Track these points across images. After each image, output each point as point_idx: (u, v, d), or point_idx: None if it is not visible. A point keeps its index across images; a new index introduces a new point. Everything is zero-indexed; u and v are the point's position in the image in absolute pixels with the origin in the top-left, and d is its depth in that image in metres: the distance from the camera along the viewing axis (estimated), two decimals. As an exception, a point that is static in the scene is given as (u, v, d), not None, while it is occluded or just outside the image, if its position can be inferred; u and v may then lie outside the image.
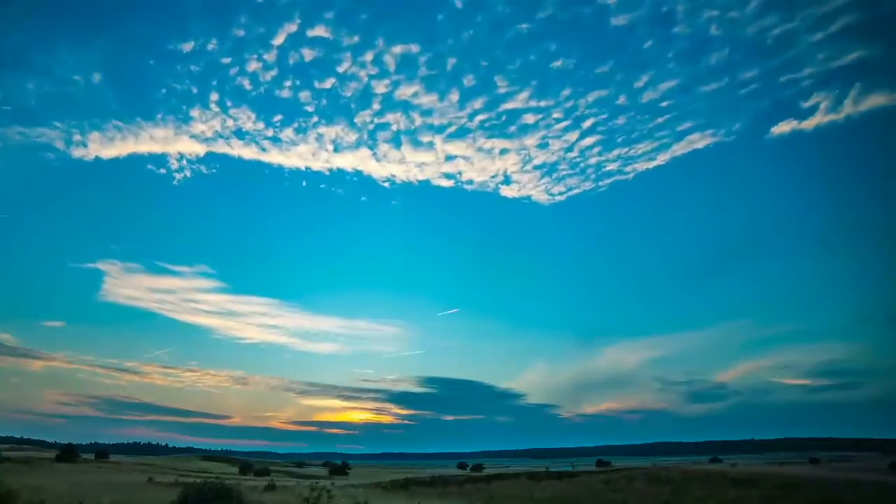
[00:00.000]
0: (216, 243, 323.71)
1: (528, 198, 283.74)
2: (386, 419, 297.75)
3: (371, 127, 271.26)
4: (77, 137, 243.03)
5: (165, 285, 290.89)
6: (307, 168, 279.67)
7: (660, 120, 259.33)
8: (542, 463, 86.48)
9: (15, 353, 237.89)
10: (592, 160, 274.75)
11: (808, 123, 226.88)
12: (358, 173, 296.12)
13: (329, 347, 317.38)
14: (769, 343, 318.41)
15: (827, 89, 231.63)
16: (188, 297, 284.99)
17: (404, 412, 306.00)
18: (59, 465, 40.30)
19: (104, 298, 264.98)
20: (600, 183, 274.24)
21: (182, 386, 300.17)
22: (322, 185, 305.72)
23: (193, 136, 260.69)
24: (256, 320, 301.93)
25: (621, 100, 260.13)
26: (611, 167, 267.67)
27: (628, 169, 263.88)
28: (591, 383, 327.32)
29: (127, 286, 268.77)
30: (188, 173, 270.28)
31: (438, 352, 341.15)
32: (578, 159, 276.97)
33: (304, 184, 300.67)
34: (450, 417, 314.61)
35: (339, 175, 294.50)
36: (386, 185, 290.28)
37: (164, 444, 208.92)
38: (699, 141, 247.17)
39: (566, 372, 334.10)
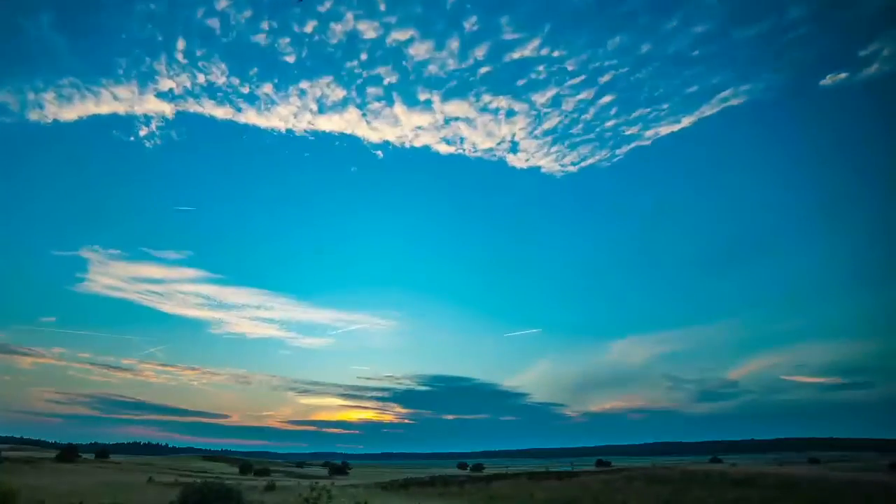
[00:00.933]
0: (196, 226, 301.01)
1: (538, 169, 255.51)
2: (386, 418, 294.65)
3: (360, 81, 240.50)
4: (31, 96, 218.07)
5: (149, 274, 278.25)
6: (288, 131, 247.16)
7: (689, 73, 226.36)
8: (545, 463, 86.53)
9: (4, 350, 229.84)
10: (609, 123, 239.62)
11: (864, 74, 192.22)
12: (346, 137, 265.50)
13: (325, 342, 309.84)
14: (783, 339, 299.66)
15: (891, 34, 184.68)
16: (177, 288, 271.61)
17: (404, 411, 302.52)
18: (59, 465, 40.32)
19: (89, 290, 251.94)
20: (617, 151, 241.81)
21: (177, 384, 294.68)
22: (306, 154, 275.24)
23: (161, 95, 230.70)
24: (248, 313, 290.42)
25: (645, 48, 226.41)
26: (630, 131, 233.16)
27: (649, 133, 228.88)
28: (597, 381, 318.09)
29: (111, 276, 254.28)
30: (158, 141, 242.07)
31: (436, 348, 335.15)
32: (594, 122, 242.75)
33: (286, 152, 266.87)
34: (450, 417, 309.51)
35: (325, 140, 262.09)
36: (379, 153, 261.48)
37: (163, 443, 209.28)
38: (733, 98, 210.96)
39: (571, 368, 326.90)
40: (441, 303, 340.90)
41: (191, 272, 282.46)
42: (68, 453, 47.63)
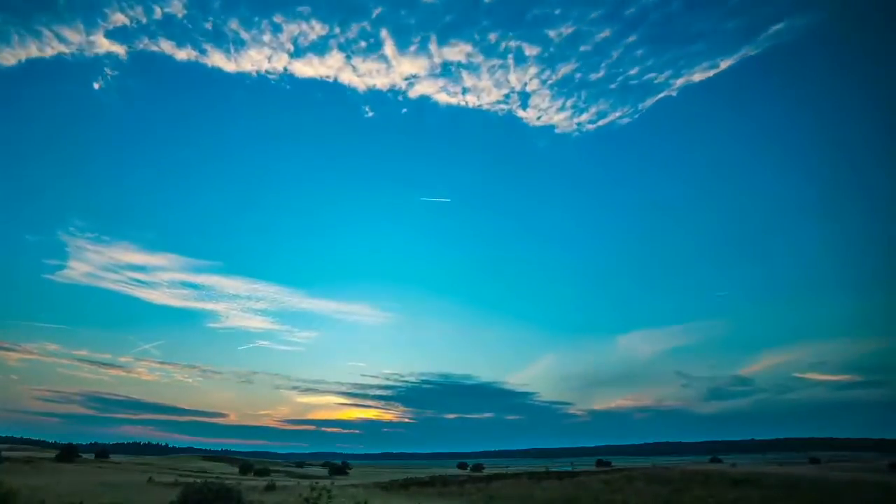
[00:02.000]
0: (162, 201, 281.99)
1: (552, 128, 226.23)
2: (386, 417, 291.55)
3: (342, 14, 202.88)
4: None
5: (130, 260, 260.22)
6: (259, 73, 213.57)
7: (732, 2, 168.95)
8: (547, 463, 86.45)
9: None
10: (633, 70, 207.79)
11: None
12: (328, 85, 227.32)
13: (321, 336, 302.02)
14: (798, 334, 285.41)
15: None
16: (162, 277, 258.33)
17: (404, 410, 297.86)
18: (59, 465, 40.30)
19: (69, 279, 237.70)
20: (640, 105, 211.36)
21: (170, 382, 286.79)
22: (283, 107, 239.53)
23: (111, 36, 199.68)
24: (240, 304, 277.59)
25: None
26: (658, 78, 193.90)
27: (678, 82, 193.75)
28: (603, 378, 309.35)
29: (90, 263, 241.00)
30: (115, 92, 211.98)
31: (436, 344, 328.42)
32: (616, 69, 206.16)
33: (258, 103, 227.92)
34: (452, 416, 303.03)
35: (304, 88, 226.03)
36: (369, 113, 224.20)
37: (162, 443, 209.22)
38: (786, 32, 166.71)
39: (577, 365, 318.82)
40: (438, 296, 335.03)
41: (172, 258, 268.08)
42: (68, 453, 47.62)
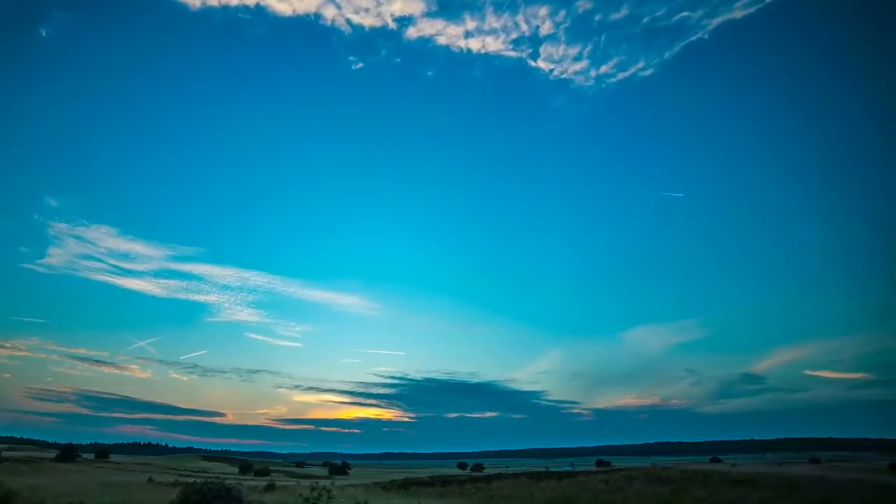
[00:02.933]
0: (126, 178, 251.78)
1: (569, 83, 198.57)
2: (386, 415, 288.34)
3: None
4: None
5: (112, 245, 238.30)
6: (226, 7, 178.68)
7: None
8: (548, 463, 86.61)
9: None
10: (661, 10, 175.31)
11: None
12: (307, 23, 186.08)
13: (317, 332, 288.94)
14: (811, 331, 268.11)
15: None
16: (149, 267, 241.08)
17: (405, 409, 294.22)
18: (58, 465, 40.29)
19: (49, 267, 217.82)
20: (667, 54, 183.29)
21: (165, 380, 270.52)
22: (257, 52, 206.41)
23: None
24: (218, 296, 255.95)
25: None
26: (690, 15, 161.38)
27: (714, 22, 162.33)
28: (608, 375, 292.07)
29: (69, 251, 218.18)
30: (54, 28, 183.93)
31: (435, 341, 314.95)
32: (639, 7, 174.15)
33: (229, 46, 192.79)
34: (453, 415, 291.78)
35: (281, 29, 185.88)
36: (353, 62, 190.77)
37: (162, 443, 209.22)
38: None
39: (581, 361, 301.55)
40: (437, 293, 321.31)
41: (152, 245, 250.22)
42: (68, 453, 47.62)
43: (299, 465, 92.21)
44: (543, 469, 47.55)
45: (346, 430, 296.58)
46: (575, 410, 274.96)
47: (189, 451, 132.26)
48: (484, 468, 70.04)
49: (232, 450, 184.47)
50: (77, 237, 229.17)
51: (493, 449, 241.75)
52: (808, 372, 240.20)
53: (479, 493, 28.57)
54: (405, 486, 32.85)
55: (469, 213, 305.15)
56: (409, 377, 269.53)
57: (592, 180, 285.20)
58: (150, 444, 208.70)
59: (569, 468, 50.90)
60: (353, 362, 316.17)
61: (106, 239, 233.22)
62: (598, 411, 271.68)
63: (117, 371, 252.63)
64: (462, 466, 79.55)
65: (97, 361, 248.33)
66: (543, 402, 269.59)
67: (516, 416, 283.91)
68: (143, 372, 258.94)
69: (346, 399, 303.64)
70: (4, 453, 47.36)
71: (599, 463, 68.61)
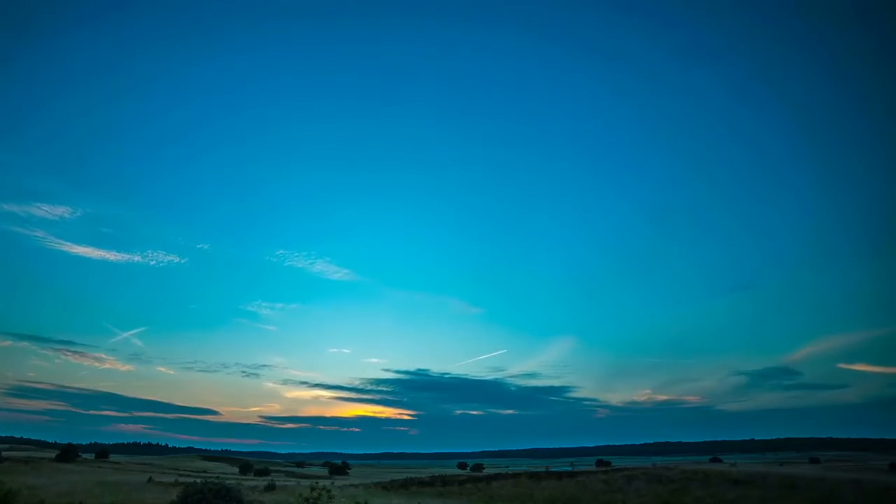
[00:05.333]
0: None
1: None
2: (386, 413, 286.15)
3: None
4: None
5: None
6: None
7: None
8: (548, 463, 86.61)
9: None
10: None
11: None
12: None
13: (314, 326, 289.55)
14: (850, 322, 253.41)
15: None
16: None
17: (406, 408, 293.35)
18: (58, 465, 40.30)
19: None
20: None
21: (152, 374, 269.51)
22: None
23: None
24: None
25: None
26: None
27: None
28: (630, 370, 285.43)
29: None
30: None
31: (435, 339, 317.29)
32: None
33: None
34: (458, 412, 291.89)
35: None
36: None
37: (163, 443, 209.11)
38: None
39: (597, 350, 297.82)
40: (437, 291, 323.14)
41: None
42: (68, 453, 47.63)
43: (299, 465, 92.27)
44: (543, 469, 47.55)
45: (345, 429, 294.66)
46: (594, 406, 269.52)
47: (189, 450, 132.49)
48: (484, 468, 70.05)
49: (230, 449, 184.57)
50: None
51: (492, 449, 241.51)
52: (843, 365, 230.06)
53: (479, 493, 28.57)
54: (405, 485, 32.84)
55: (469, 212, 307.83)
56: (410, 373, 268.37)
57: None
58: (150, 443, 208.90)
59: (569, 468, 50.90)
60: (342, 353, 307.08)
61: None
62: (614, 407, 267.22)
63: (98, 364, 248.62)
64: (462, 466, 79.58)
65: (78, 353, 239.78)
66: (567, 399, 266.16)
67: (513, 411, 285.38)
68: (127, 365, 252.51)
69: (344, 395, 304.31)
70: (4, 453, 47.38)
71: (599, 463, 68.61)
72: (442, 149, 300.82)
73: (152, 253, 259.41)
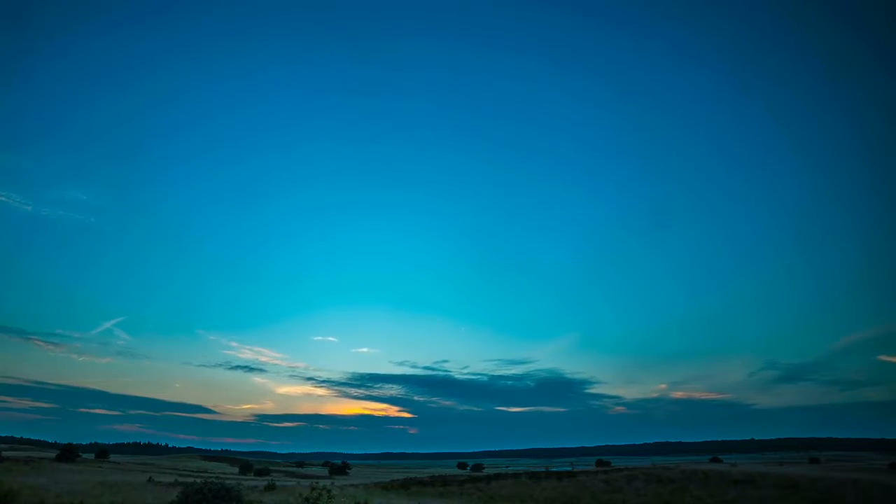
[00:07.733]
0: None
1: None
2: (386, 412, 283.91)
3: None
4: None
5: None
6: None
7: None
8: (547, 463, 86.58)
9: None
10: None
11: None
12: None
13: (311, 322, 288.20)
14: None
15: None
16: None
17: (406, 407, 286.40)
18: (58, 465, 40.29)
19: None
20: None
21: (141, 369, 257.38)
22: None
23: None
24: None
25: None
26: None
27: None
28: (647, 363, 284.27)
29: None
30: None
31: (434, 337, 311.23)
32: None
33: None
34: (463, 408, 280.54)
35: None
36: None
37: (164, 443, 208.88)
38: None
39: (607, 341, 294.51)
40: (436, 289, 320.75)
41: None
42: (68, 453, 47.59)
43: (299, 464, 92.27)
44: (543, 469, 47.54)
45: (346, 428, 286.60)
46: (614, 401, 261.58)
47: (189, 450, 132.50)
48: (484, 468, 70.04)
49: (230, 449, 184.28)
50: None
51: (492, 448, 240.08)
52: (884, 357, 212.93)
53: (479, 492, 28.58)
54: (405, 485, 32.84)
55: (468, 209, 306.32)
56: (409, 372, 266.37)
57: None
58: (150, 443, 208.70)
59: (569, 468, 50.89)
60: (334, 344, 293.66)
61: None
62: (628, 402, 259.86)
63: (82, 358, 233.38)
64: (462, 466, 79.58)
65: (61, 345, 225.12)
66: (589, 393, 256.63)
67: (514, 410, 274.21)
68: (114, 358, 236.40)
69: (339, 390, 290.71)
70: (4, 453, 47.37)
71: (599, 463, 68.60)
72: (442, 149, 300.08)
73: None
